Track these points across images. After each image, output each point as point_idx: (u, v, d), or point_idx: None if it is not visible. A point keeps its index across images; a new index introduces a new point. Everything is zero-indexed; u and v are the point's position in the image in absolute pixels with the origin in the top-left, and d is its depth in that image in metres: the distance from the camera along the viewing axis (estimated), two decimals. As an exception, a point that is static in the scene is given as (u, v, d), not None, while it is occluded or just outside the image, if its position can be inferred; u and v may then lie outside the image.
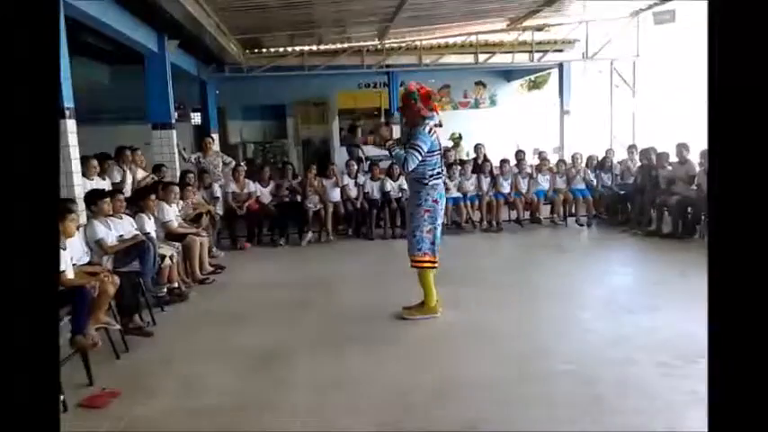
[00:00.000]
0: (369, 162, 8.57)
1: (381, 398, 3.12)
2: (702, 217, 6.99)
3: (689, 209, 7.07)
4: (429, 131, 4.17)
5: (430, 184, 4.24)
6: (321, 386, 3.30)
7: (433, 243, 4.31)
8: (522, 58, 10.55)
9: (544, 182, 8.42)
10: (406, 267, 4.46)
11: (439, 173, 4.28)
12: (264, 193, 7.98)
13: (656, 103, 11.64)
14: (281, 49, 10.08)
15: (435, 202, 4.26)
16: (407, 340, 4.03)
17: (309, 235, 7.79)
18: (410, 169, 4.15)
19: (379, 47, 10.10)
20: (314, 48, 10.02)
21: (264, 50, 10.08)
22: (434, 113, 4.24)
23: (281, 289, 5.50)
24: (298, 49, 10.00)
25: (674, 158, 7.53)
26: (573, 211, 8.44)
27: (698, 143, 7.37)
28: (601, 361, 3.48)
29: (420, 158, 4.12)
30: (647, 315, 4.28)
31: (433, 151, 4.19)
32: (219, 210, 7.53)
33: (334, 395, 3.17)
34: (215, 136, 9.84)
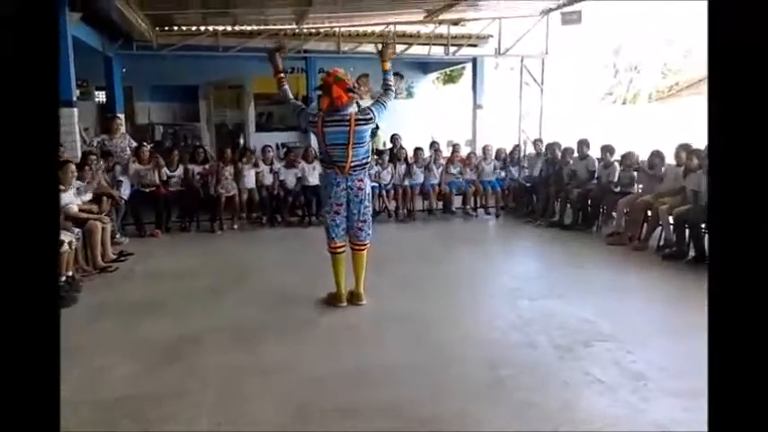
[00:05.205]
0: (285, 149, 8.41)
1: (298, 383, 3.14)
2: (601, 209, 7.48)
3: (589, 202, 7.54)
4: (312, 123, 4.26)
5: (325, 171, 4.41)
6: (234, 374, 3.26)
7: (327, 229, 4.39)
8: (437, 51, 10.75)
9: (456, 174, 8.66)
10: (320, 255, 4.47)
11: (331, 162, 4.26)
12: (173, 177, 7.67)
13: (562, 100, 12.27)
14: (194, 28, 9.68)
15: (325, 187, 4.40)
16: (322, 327, 4.05)
17: (223, 222, 7.60)
18: None
19: (297, 31, 9.94)
20: (228, 28, 9.70)
21: (176, 28, 9.62)
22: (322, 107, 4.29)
23: (192, 277, 5.34)
24: (211, 28, 9.64)
25: (576, 154, 8.00)
26: (483, 202, 8.76)
27: (598, 139, 7.88)
28: (505, 345, 3.68)
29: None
30: (546, 302, 4.55)
31: (321, 144, 4.30)
32: (124, 194, 7.17)
33: (248, 382, 3.15)
34: (121, 116, 9.32)
